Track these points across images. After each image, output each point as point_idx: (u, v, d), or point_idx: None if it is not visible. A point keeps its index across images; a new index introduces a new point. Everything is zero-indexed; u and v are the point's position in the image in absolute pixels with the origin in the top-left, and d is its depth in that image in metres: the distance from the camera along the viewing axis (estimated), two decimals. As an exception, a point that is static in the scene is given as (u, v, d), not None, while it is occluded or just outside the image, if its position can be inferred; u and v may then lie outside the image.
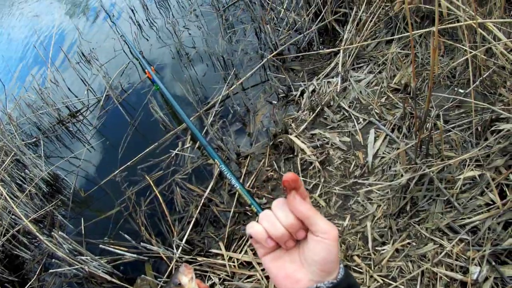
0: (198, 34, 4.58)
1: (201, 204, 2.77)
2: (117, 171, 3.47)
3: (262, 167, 2.72)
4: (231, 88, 3.37)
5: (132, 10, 6.05)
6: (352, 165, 2.28)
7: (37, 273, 3.34)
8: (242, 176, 2.74)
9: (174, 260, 2.56)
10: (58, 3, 9.32)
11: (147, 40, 5.26)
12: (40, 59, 6.69)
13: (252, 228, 0.68)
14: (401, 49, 2.77)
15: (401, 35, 2.75)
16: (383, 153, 2.25)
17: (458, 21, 2.19)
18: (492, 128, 1.93)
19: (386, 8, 2.96)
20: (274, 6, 3.92)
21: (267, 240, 0.67)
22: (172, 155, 3.28)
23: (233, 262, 2.33)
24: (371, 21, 2.95)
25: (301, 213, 0.65)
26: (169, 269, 2.58)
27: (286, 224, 0.66)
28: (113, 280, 2.72)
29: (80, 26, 7.10)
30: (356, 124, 2.50)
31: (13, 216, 3.74)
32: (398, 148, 2.15)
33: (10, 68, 7.67)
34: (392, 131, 2.32)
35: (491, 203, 1.72)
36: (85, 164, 4.02)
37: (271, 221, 0.67)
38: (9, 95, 5.13)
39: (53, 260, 3.34)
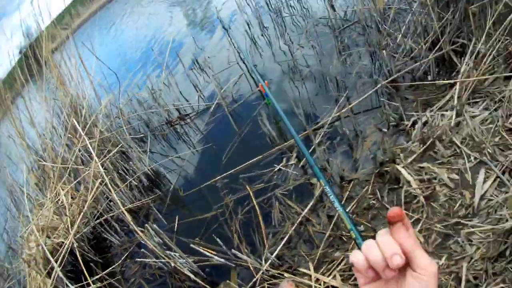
0: (312, 53, 4.73)
1: (297, 222, 2.84)
2: (219, 177, 3.66)
3: (365, 194, 2.78)
4: (343, 111, 3.44)
5: (248, 24, 6.38)
6: (457, 204, 2.33)
7: (122, 259, 3.60)
8: (343, 201, 2.82)
9: (261, 272, 2.61)
10: (177, 12, 9.96)
11: (261, 54, 5.52)
12: (155, 61, 7.46)
13: (354, 256, 0.71)
14: (520, 87, 2.78)
15: (521, 72, 2.73)
16: (491, 196, 2.27)
17: None
18: None
19: (506, 42, 2.94)
20: (391, 32, 3.97)
21: (367, 270, 0.70)
22: (276, 169, 3.40)
23: (320, 284, 2.38)
24: (489, 54, 2.94)
25: (403, 245, 0.67)
26: (254, 280, 2.62)
27: (382, 248, 0.68)
28: (196, 279, 2.83)
29: (196, 35, 7.87)
30: (466, 162, 2.52)
31: (110, 203, 4.06)
32: (507, 192, 2.19)
33: (127, 67, 8.40)
34: (503, 173, 2.33)
35: None
36: (188, 165, 4.30)
37: (370, 246, 0.70)
38: (122, 91, 5.51)
39: (141, 250, 3.49)
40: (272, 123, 3.90)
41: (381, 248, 0.68)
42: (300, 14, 5.91)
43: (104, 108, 5.01)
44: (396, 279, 0.71)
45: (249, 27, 6.35)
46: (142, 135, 5.47)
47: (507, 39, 2.93)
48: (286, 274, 2.54)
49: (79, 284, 3.26)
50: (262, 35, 6.00)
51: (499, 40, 2.92)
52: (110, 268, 3.43)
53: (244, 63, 5.51)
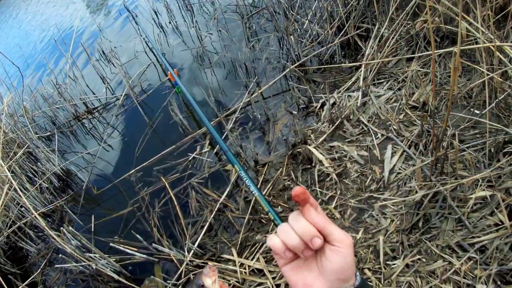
0: (221, 40, 4.63)
1: (216, 209, 2.79)
2: (132, 171, 3.49)
3: (280, 176, 2.76)
4: (253, 96, 3.43)
5: (156, 12, 6.13)
6: (369, 179, 2.36)
7: (41, 267, 3.40)
8: (259, 184, 2.78)
9: (185, 263, 2.58)
10: (81, 0, 9.48)
11: (169, 43, 5.32)
12: (59, 53, 6.84)
13: (271, 240, 0.72)
14: (420, 67, 2.85)
15: (421, 54, 2.82)
16: (399, 169, 2.32)
17: (476, 43, 2.27)
18: (505, 150, 2.01)
19: (408, 26, 3.03)
20: (298, 18, 3.98)
21: (285, 252, 0.71)
22: (190, 158, 3.30)
23: (244, 268, 2.37)
24: (393, 38, 3.02)
25: (317, 224, 0.69)
26: (179, 272, 2.58)
27: (300, 232, 0.69)
28: (120, 279, 2.75)
29: (102, 24, 7.31)
30: (374, 139, 2.57)
31: (21, 208, 3.81)
32: (414, 165, 2.24)
33: (28, 60, 7.89)
34: (409, 147, 2.39)
35: (500, 223, 1.79)
36: (100, 161, 4.05)
37: (286, 231, 0.70)
38: (25, 87, 5.13)
39: (59, 255, 3.34)
40: (184, 112, 3.78)
41: (298, 232, 0.69)
42: (208, 1, 5.77)
43: (7, 107, 4.65)
44: (314, 255, 0.73)
45: (156, 15, 6.14)
46: (49, 133, 5.09)
47: (409, 23, 3.01)
48: (210, 263, 2.50)
49: (0, 299, 3.05)
50: (170, 23, 5.79)
51: (401, 24, 3.01)
52: (30, 279, 3.27)
53: (152, 51, 5.29)
